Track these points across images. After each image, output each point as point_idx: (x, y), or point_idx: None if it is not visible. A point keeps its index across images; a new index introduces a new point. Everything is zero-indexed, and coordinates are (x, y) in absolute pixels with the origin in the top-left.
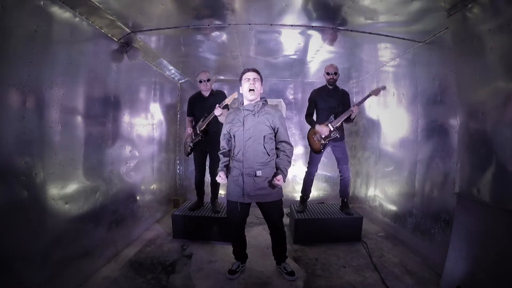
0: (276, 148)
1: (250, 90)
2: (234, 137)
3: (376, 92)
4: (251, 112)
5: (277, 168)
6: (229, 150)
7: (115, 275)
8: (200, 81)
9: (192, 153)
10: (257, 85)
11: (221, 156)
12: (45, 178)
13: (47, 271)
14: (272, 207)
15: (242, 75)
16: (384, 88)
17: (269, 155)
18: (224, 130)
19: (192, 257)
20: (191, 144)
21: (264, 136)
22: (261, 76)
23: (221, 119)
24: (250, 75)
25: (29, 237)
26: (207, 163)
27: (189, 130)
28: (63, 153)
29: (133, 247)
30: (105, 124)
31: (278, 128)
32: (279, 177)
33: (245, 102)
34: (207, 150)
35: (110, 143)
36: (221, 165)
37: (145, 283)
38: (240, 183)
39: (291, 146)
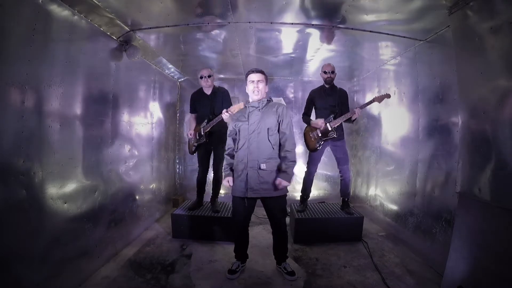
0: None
1: (254, 92)
2: (239, 131)
3: (379, 99)
4: (256, 108)
5: (278, 169)
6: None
7: (114, 275)
8: (201, 77)
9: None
10: (261, 86)
11: (227, 157)
12: (44, 177)
13: (46, 271)
14: (276, 203)
15: (247, 76)
16: (388, 96)
17: (273, 148)
18: (230, 127)
19: (192, 256)
20: (195, 144)
21: (268, 129)
22: (265, 76)
23: (227, 120)
24: (254, 77)
25: (27, 237)
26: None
27: (191, 132)
28: (62, 152)
29: (132, 246)
30: (104, 123)
31: (282, 120)
32: (278, 180)
33: (251, 100)
34: (211, 148)
35: (109, 142)
36: (227, 167)
37: (145, 283)
38: (243, 177)
39: (292, 139)
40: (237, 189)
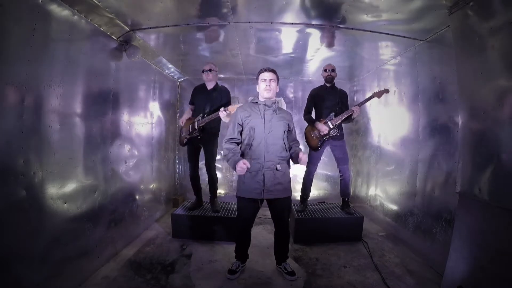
0: (289, 148)
1: (266, 90)
2: (253, 129)
3: (378, 95)
4: (270, 108)
5: (295, 151)
6: (239, 143)
7: (114, 274)
8: (203, 71)
9: (186, 146)
10: (273, 85)
11: (230, 145)
12: (44, 177)
13: (46, 271)
14: (285, 204)
15: (259, 74)
16: (387, 91)
17: (286, 150)
18: (238, 121)
19: (192, 256)
20: (187, 137)
21: (284, 131)
22: (277, 76)
23: (224, 119)
24: (267, 75)
25: (27, 237)
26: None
27: (183, 120)
28: (62, 152)
29: (132, 246)
30: (104, 123)
31: (293, 128)
32: (301, 154)
33: (261, 99)
34: (200, 146)
35: (109, 142)
36: (237, 155)
37: (144, 283)
38: (259, 178)
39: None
40: (251, 191)
